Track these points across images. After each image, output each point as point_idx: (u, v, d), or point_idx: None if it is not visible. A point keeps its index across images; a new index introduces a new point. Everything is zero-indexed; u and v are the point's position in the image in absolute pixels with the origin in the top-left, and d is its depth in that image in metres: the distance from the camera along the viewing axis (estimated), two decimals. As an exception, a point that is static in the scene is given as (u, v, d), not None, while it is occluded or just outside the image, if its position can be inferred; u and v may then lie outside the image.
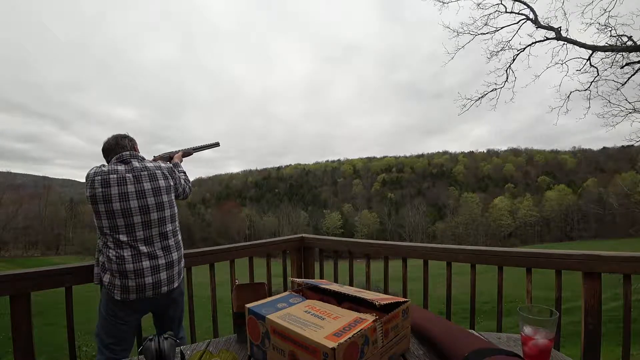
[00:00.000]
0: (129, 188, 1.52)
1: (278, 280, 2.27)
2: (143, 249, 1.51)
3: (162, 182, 1.62)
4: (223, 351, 0.81)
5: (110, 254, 1.48)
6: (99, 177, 1.51)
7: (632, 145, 7.86)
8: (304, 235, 2.46)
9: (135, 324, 1.61)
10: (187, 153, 2.06)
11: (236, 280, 1.02)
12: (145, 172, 1.59)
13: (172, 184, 1.68)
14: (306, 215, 71.52)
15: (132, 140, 1.76)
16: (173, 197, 1.68)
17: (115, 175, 1.53)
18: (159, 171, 1.64)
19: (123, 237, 1.49)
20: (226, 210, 74.26)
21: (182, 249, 1.70)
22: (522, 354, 0.74)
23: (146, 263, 1.50)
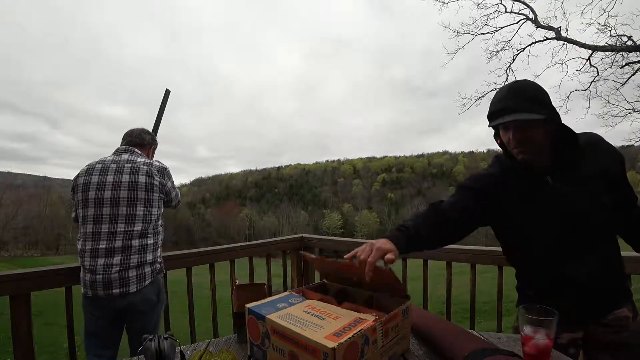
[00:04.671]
0: (108, 178, 1.49)
1: (278, 280, 2.27)
2: (103, 244, 1.43)
3: (142, 178, 1.53)
4: (223, 351, 0.81)
5: (79, 246, 1.47)
6: (86, 167, 1.54)
7: (632, 145, 7.86)
8: (304, 235, 2.46)
9: (104, 324, 1.49)
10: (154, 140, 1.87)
11: (236, 280, 1.02)
12: (129, 165, 1.54)
13: (155, 182, 1.57)
14: (306, 215, 71.54)
15: (155, 140, 1.79)
16: (155, 197, 1.56)
17: (100, 165, 1.54)
18: (145, 167, 1.56)
19: (89, 228, 1.45)
20: (226, 210, 74.29)
21: (152, 254, 1.53)
22: (522, 354, 0.74)
23: (101, 260, 1.42)
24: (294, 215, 71.15)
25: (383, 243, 0.89)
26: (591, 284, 0.96)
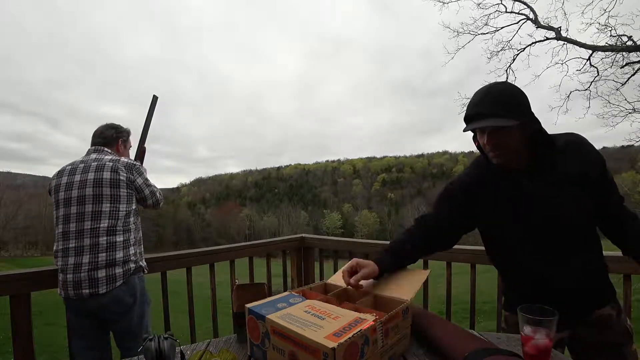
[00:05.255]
0: (75, 177, 1.52)
1: (278, 280, 2.27)
2: (72, 243, 1.44)
3: (107, 174, 1.52)
4: (223, 351, 0.81)
5: (54, 247, 1.49)
6: (58, 170, 1.57)
7: (632, 145, 7.86)
8: (304, 235, 2.46)
9: (83, 325, 1.49)
10: (142, 151, 1.86)
11: (236, 280, 1.02)
12: (95, 163, 1.55)
13: (122, 178, 1.54)
14: (306, 215, 71.54)
15: (121, 131, 1.75)
16: (122, 193, 1.54)
17: (70, 167, 1.57)
18: (111, 163, 1.55)
19: (60, 228, 1.47)
20: (226, 210, 74.27)
21: (122, 251, 1.50)
22: (522, 354, 0.74)
23: (71, 259, 1.42)
24: (294, 215, 71.17)
25: (366, 264, 0.98)
26: (573, 286, 0.96)
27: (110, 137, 1.71)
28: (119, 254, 1.48)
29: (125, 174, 1.57)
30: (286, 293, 0.93)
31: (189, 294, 1.91)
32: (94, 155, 1.61)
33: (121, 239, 1.51)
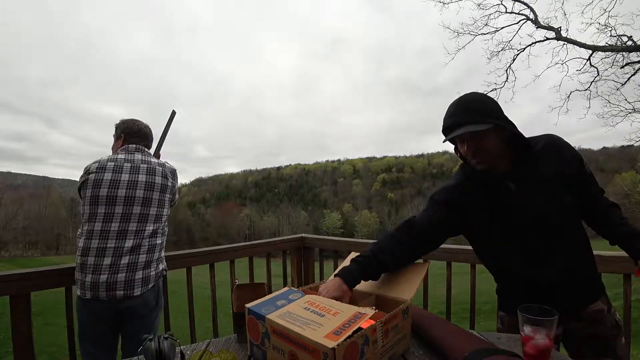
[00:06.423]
0: (122, 176, 1.48)
1: (278, 280, 2.27)
2: (111, 242, 1.40)
3: (158, 179, 1.55)
4: (223, 351, 0.81)
5: (80, 244, 1.43)
6: (96, 164, 1.51)
7: (632, 145, 7.87)
8: (304, 235, 2.46)
9: (101, 327, 1.44)
10: (157, 158, 1.87)
11: (236, 280, 1.02)
12: (145, 165, 1.55)
13: (169, 184, 1.60)
14: (306, 215, 71.55)
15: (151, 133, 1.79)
16: (166, 198, 1.59)
17: (112, 163, 1.52)
18: (160, 168, 1.59)
19: (98, 226, 1.41)
20: (226, 210, 74.24)
21: (158, 253, 1.52)
22: (522, 354, 0.74)
23: (107, 260, 1.38)
24: (294, 215, 71.21)
25: (334, 289, 0.94)
26: (563, 284, 0.98)
27: (150, 138, 1.73)
28: (156, 256, 1.51)
29: (171, 181, 1.62)
30: (286, 289, 0.93)
31: (189, 294, 1.91)
32: (139, 156, 1.58)
33: (160, 241, 1.54)
